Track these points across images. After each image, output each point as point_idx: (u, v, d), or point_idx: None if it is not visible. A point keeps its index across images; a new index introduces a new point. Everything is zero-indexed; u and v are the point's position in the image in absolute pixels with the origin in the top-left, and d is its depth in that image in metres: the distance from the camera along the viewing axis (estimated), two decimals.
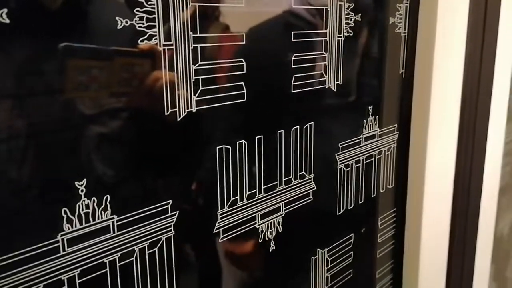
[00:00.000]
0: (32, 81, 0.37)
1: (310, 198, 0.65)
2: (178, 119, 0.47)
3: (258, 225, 0.59)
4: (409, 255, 0.87)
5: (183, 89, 0.47)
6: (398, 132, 0.81)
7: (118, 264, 0.45)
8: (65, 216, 0.40)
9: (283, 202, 0.61)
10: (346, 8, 0.63)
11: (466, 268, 1.01)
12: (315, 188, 0.65)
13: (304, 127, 0.62)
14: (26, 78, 0.36)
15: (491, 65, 0.90)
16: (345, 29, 0.64)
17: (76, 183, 0.40)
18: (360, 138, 0.73)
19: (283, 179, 0.61)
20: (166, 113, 0.46)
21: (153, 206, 0.47)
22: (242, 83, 0.52)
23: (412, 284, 0.88)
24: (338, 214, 0.72)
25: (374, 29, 0.72)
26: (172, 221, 0.48)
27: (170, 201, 0.48)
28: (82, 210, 0.41)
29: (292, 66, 0.58)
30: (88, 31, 0.40)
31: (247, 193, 0.56)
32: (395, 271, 0.89)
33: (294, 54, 0.58)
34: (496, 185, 1.06)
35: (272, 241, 0.61)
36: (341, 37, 0.63)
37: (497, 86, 0.93)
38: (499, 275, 1.33)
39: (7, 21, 0.34)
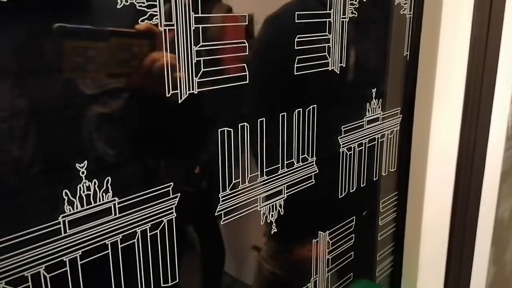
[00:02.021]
0: (29, 61, 0.36)
1: (312, 181, 0.65)
2: (180, 101, 0.46)
3: (260, 208, 0.59)
4: (409, 238, 0.87)
5: (185, 70, 0.46)
6: (401, 115, 0.80)
7: (120, 246, 0.45)
8: (66, 198, 0.40)
9: (285, 185, 0.61)
10: None
11: (466, 251, 1.01)
12: (317, 171, 0.65)
13: (306, 110, 0.61)
14: (22, 57, 0.36)
15: (497, 49, 0.89)
16: (350, 10, 0.63)
17: (77, 164, 0.40)
18: (363, 121, 0.72)
19: (285, 162, 0.60)
20: (167, 95, 0.45)
21: (155, 188, 0.46)
22: (244, 65, 0.52)
23: (412, 267, 0.88)
24: (340, 197, 0.72)
25: (379, 10, 0.71)
26: (174, 203, 0.48)
27: (172, 183, 0.48)
28: (83, 192, 0.41)
29: (296, 48, 0.57)
30: (87, 10, 0.39)
31: (249, 175, 0.56)
32: (395, 254, 0.89)
33: (297, 36, 0.57)
34: (498, 169, 1.06)
35: (274, 224, 0.61)
36: (345, 18, 0.62)
37: (502, 70, 0.92)
38: (499, 258, 1.33)
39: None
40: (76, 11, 0.38)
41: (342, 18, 0.62)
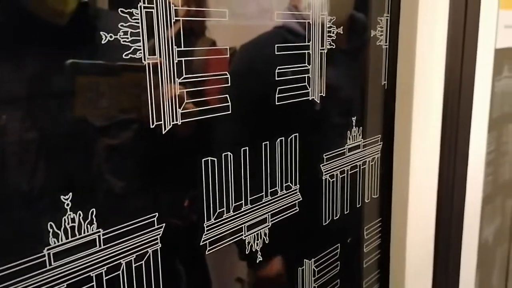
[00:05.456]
0: (16, 90, 0.37)
1: (296, 209, 0.66)
2: (164, 132, 0.47)
3: (245, 237, 0.59)
4: (395, 264, 0.88)
5: (168, 102, 0.47)
6: (381, 142, 0.82)
7: (104, 278, 0.44)
8: (51, 230, 0.40)
9: (269, 213, 0.62)
10: (328, 22, 0.65)
11: (452, 276, 1.02)
12: (301, 199, 0.66)
13: (289, 139, 0.62)
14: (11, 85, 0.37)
15: (472, 76, 0.93)
16: (328, 41, 0.65)
17: (61, 197, 0.40)
18: (345, 148, 0.74)
19: (269, 190, 0.61)
20: (151, 126, 0.46)
21: (140, 219, 0.47)
22: (227, 95, 0.53)
23: None
24: (324, 224, 0.72)
25: (356, 42, 0.73)
26: (159, 234, 0.48)
27: (157, 213, 0.48)
28: (68, 224, 0.41)
29: (276, 79, 0.59)
30: (72, 46, 0.40)
31: (234, 204, 0.56)
32: (381, 280, 0.90)
33: (278, 67, 0.59)
34: (479, 193, 1.08)
35: (259, 253, 0.61)
36: (323, 49, 0.65)
37: (478, 96, 0.95)
38: (485, 282, 1.34)
39: None
40: (61, 46, 0.39)
41: (321, 49, 0.64)
